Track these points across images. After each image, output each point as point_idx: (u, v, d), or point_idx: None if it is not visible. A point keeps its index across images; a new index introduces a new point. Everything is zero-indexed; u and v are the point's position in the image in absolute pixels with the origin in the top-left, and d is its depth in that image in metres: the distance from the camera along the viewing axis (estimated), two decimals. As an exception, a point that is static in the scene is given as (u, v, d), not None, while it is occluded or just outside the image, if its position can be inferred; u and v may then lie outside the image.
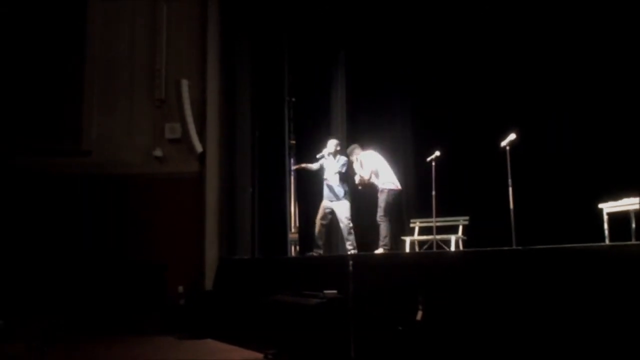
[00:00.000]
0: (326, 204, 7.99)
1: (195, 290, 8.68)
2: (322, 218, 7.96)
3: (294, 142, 10.77)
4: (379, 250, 7.52)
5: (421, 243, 8.42)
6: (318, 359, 5.44)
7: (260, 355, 6.27)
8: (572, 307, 4.06)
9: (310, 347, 5.68)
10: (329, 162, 8.11)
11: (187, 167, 9.78)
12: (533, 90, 8.24)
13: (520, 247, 5.29)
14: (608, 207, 6.44)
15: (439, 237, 7.71)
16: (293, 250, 10.25)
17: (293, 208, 10.94)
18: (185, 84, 9.55)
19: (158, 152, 9.78)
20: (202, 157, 9.71)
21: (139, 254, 9.19)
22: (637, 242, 5.93)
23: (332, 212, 7.98)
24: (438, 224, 7.60)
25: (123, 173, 9.72)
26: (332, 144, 8.19)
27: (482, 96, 8.85)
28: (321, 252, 7.83)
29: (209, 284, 9.07)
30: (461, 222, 8.22)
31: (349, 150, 8.21)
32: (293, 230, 10.67)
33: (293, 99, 10.70)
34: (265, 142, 9.94)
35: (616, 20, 7.22)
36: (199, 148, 9.65)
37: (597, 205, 6.53)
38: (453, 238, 8.02)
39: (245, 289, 7.97)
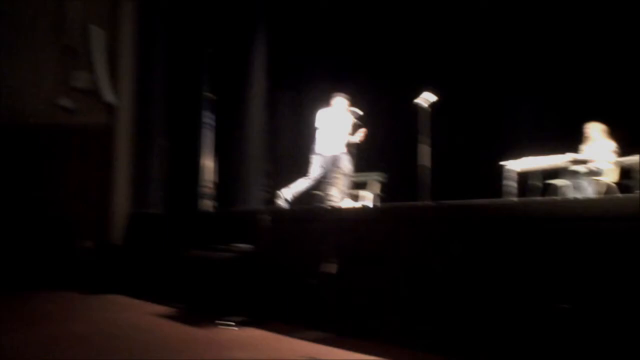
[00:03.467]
0: None
1: (105, 245, 8.40)
2: None
3: (213, 96, 10.46)
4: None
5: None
6: (229, 313, 5.40)
7: (170, 309, 6.18)
8: (480, 256, 4.22)
9: (222, 301, 5.64)
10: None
11: (98, 118, 9.31)
12: (449, 53, 8.41)
13: (433, 202, 5.43)
14: (514, 165, 6.74)
15: (355, 192, 7.79)
16: (210, 206, 10.06)
17: (212, 163, 10.72)
18: (95, 30, 9.03)
19: (67, 102, 9.23)
20: (113, 108, 9.28)
21: (47, 207, 8.76)
22: (543, 198, 6.23)
23: None
24: (355, 179, 7.67)
25: (28, 123, 9.13)
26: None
27: (401, 55, 8.93)
28: None
29: (119, 238, 8.80)
30: (378, 177, 8.32)
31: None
32: (211, 185, 10.46)
33: (211, 51, 10.34)
34: (181, 95, 9.61)
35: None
36: (110, 99, 9.21)
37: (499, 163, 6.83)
38: (369, 193, 8.12)
39: (156, 244, 7.80)
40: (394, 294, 4.75)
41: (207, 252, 5.99)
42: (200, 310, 5.91)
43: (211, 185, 10.58)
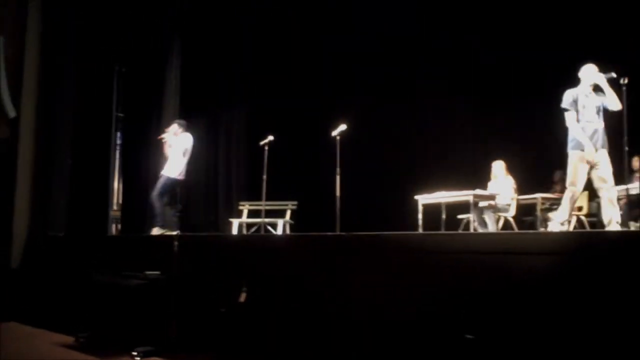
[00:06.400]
0: None
1: (1, 269, 7.86)
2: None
3: (121, 114, 10.17)
4: (156, 229, 7.31)
5: (249, 226, 8.44)
6: (135, 341, 5.19)
7: (71, 339, 5.86)
8: (389, 287, 4.32)
9: (128, 330, 5.42)
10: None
11: (-2, 133, 8.77)
12: (363, 85, 8.67)
13: (343, 233, 5.51)
14: (423, 199, 7.00)
15: (267, 220, 7.78)
16: (114, 229, 9.71)
17: (117, 184, 10.37)
18: (-3, 39, 8.54)
19: (-38, 115, 8.65)
20: (15, 123, 8.76)
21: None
22: (446, 232, 6.49)
23: None
24: (267, 207, 7.66)
25: None
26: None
27: (317, 88, 9.12)
28: None
29: (16, 261, 8.25)
30: (290, 206, 8.37)
31: (175, 124, 7.84)
32: (115, 207, 10.11)
33: (124, 69, 10.07)
34: (89, 112, 9.24)
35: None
36: (11, 112, 8.69)
37: (413, 197, 7.06)
38: (281, 222, 8.15)
39: (58, 269, 7.39)
40: (304, 323, 4.75)
41: (113, 278, 5.75)
42: (105, 339, 5.63)
43: (117, 208, 10.26)
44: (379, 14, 8.49)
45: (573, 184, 5.36)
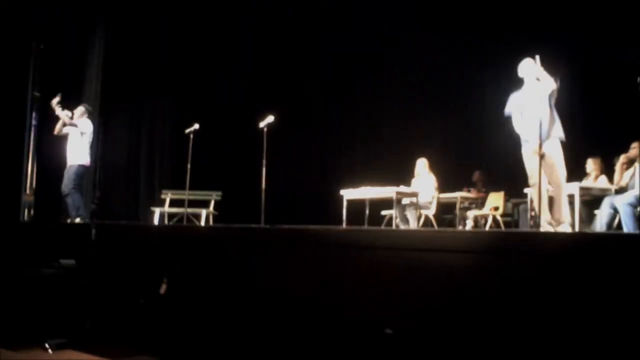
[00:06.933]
0: None
1: None
2: None
3: (38, 94, 9.66)
4: (77, 220, 7.11)
5: (171, 215, 8.27)
6: (48, 333, 4.98)
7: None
8: (309, 282, 4.34)
9: (40, 320, 5.19)
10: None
11: None
12: (293, 78, 8.66)
13: (268, 226, 5.50)
14: (348, 194, 7.07)
15: (190, 210, 7.64)
16: (27, 215, 9.23)
17: (30, 167, 9.86)
18: None
19: None
20: None
21: None
22: (369, 227, 6.61)
23: None
24: (190, 197, 7.51)
25: None
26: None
27: (246, 78, 9.03)
28: None
29: None
30: (214, 197, 8.26)
31: (81, 107, 7.69)
32: (28, 192, 9.61)
33: (42, 46, 9.56)
34: (2, 91, 8.72)
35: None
36: None
37: (338, 191, 7.14)
38: (204, 212, 8.03)
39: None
40: (224, 316, 4.71)
41: (25, 268, 5.48)
42: (15, 331, 5.36)
43: (30, 192, 9.75)
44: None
45: (534, 183, 5.07)
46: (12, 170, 8.64)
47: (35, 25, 9.15)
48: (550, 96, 5.12)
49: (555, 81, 5.06)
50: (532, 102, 5.14)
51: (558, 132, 5.09)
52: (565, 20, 7.21)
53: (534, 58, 5.13)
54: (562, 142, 5.12)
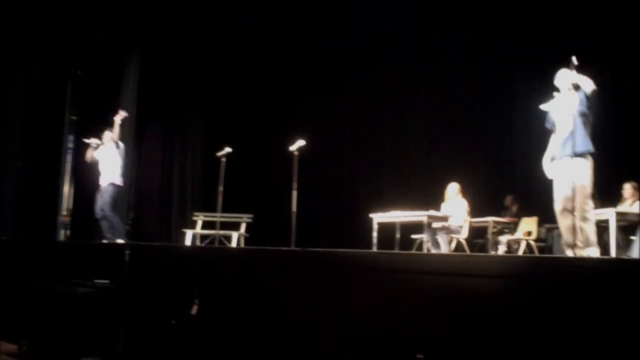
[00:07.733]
0: None
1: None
2: None
3: (74, 117, 9.93)
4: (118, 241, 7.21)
5: (203, 237, 8.34)
6: (81, 352, 5.05)
7: (14, 347, 5.65)
8: (340, 305, 4.32)
9: (74, 338, 5.26)
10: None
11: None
12: (325, 102, 8.74)
13: (298, 249, 5.50)
14: (378, 217, 7.06)
15: (221, 232, 7.70)
16: (63, 235, 9.44)
17: (67, 189, 10.09)
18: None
19: None
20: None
21: None
22: (399, 252, 6.56)
23: None
24: (222, 219, 7.57)
25: None
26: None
27: (277, 103, 9.14)
28: None
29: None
30: (245, 219, 8.31)
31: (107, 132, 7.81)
32: (65, 212, 9.84)
33: (79, 72, 9.85)
34: (40, 115, 8.98)
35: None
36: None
37: (368, 215, 7.12)
38: (235, 234, 8.09)
39: (0, 273, 7.12)
40: (256, 338, 4.71)
41: (59, 286, 5.57)
42: (49, 348, 5.45)
43: (66, 213, 9.98)
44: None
45: (555, 202, 4.91)
46: (49, 192, 8.85)
47: (73, 51, 9.44)
48: (588, 99, 4.89)
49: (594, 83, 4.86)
50: (563, 116, 5.01)
51: (587, 146, 4.85)
52: (600, 28, 7.14)
53: (569, 67, 4.90)
54: (592, 158, 4.89)
